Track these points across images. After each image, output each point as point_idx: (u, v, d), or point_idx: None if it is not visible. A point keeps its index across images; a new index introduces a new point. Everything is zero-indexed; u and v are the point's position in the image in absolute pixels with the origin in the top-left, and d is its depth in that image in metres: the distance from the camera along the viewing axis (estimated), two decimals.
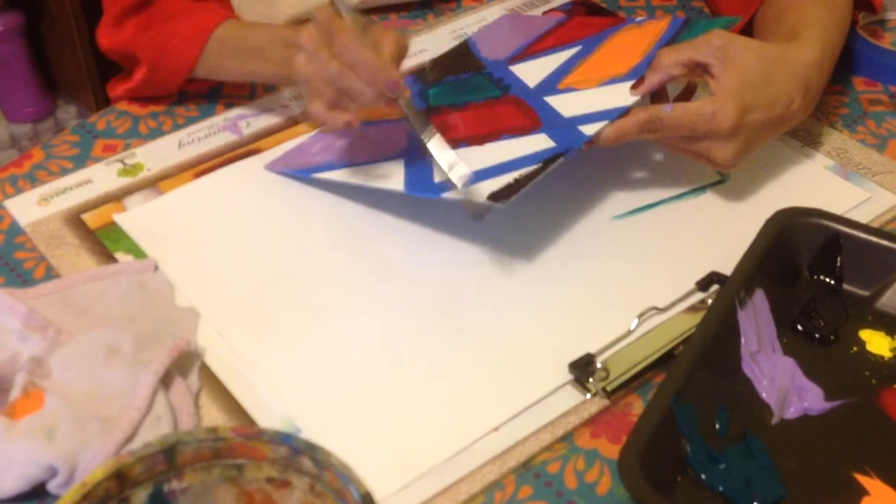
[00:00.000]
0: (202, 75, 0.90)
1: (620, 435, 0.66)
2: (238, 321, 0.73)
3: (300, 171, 0.83)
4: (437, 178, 0.75)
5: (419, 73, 0.93)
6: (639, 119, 0.76)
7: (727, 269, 0.72)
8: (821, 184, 0.84)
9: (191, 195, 0.84)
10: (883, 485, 0.61)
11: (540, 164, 0.74)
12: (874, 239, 0.73)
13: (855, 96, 0.94)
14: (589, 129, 0.76)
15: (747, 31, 0.94)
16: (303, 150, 0.87)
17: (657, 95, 0.81)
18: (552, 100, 0.82)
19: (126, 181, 0.85)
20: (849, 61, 0.96)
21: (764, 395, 0.67)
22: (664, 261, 0.78)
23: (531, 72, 0.88)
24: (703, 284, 0.74)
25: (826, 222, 0.74)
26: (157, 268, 0.77)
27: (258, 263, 0.77)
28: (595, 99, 0.80)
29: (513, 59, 0.91)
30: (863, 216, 0.80)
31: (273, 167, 0.86)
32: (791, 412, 0.66)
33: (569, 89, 0.83)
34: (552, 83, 0.85)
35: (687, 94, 0.82)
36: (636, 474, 0.58)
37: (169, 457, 0.49)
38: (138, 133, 0.91)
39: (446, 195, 0.73)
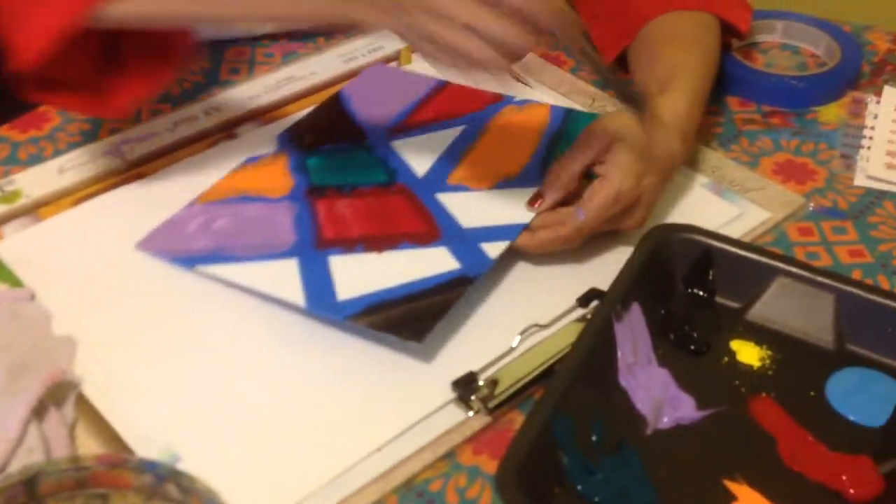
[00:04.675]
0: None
1: (502, 451, 0.66)
2: (117, 350, 0.72)
3: (180, 261, 0.77)
4: (340, 296, 0.73)
5: (294, 134, 0.90)
6: (561, 236, 0.77)
7: (608, 284, 0.73)
8: (696, 201, 0.87)
9: (71, 222, 0.83)
10: (751, 490, 0.63)
11: (447, 295, 0.73)
12: (744, 253, 0.76)
13: (730, 116, 0.98)
14: (492, 249, 0.77)
15: (620, 63, 0.97)
16: (177, 226, 0.80)
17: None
18: (445, 198, 0.82)
19: (3, 208, 0.83)
20: (724, 82, 1.00)
21: (639, 405, 0.68)
22: (547, 278, 0.79)
23: (416, 153, 0.87)
24: (584, 300, 0.76)
25: (698, 237, 0.76)
26: (33, 297, 0.75)
27: (138, 291, 0.76)
28: (491, 205, 0.81)
29: (394, 130, 0.90)
30: (735, 231, 0.83)
31: (146, 247, 0.79)
32: (665, 422, 0.68)
33: (460, 187, 0.83)
34: (441, 176, 0.85)
35: None
36: (513, 488, 0.59)
37: (30, 487, 0.48)
38: (17, 159, 0.89)
39: (351, 320, 0.71)
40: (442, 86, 0.96)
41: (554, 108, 0.93)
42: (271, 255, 0.77)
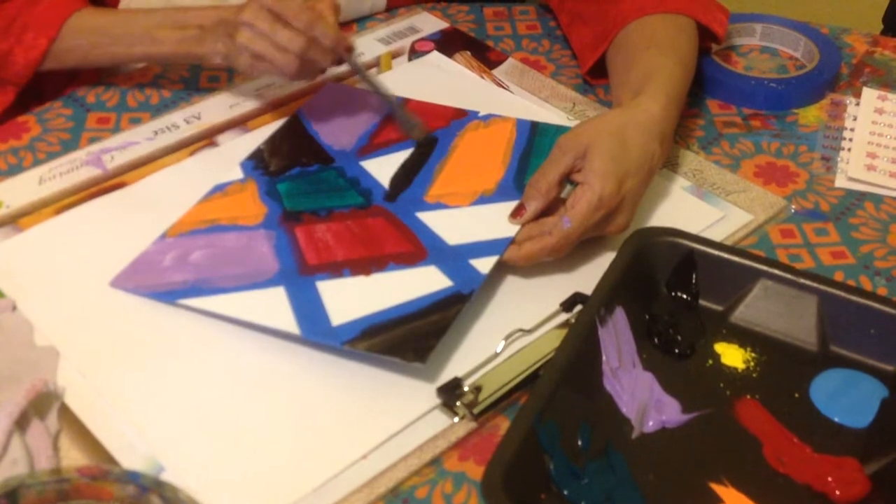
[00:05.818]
0: (68, 64, 0.93)
1: (488, 456, 0.66)
2: (100, 359, 0.72)
3: (160, 295, 0.75)
4: (334, 321, 0.72)
5: (258, 160, 0.88)
6: (547, 246, 0.77)
7: (592, 289, 0.73)
8: (678, 204, 0.87)
9: (52, 232, 0.82)
10: (737, 493, 0.64)
11: (444, 313, 0.72)
12: (726, 256, 0.76)
13: (710, 119, 0.98)
14: (481, 265, 0.76)
15: (599, 67, 0.97)
16: (150, 261, 0.78)
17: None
18: (425, 217, 0.82)
19: None
20: (704, 85, 1.00)
21: (624, 409, 0.68)
22: (530, 283, 0.79)
23: (388, 173, 0.86)
24: (567, 305, 0.76)
25: (681, 241, 0.77)
26: (15, 307, 0.75)
27: (120, 300, 0.76)
28: (472, 222, 0.81)
29: (361, 151, 0.89)
30: (717, 234, 0.83)
31: (120, 285, 0.77)
32: (650, 426, 0.68)
33: (439, 205, 0.83)
34: (418, 194, 0.84)
35: None
36: (499, 494, 0.59)
37: (11, 501, 0.48)
38: None
39: (348, 345, 0.70)
40: (401, 103, 0.94)
41: (520, 122, 0.92)
42: (256, 285, 0.75)
